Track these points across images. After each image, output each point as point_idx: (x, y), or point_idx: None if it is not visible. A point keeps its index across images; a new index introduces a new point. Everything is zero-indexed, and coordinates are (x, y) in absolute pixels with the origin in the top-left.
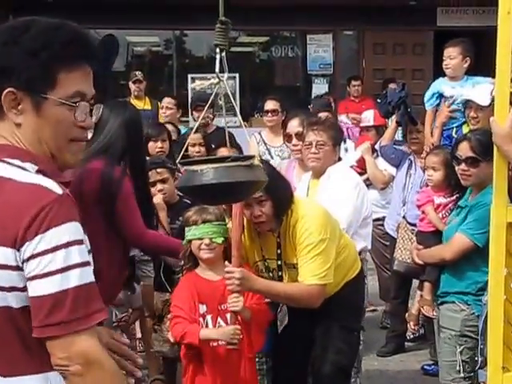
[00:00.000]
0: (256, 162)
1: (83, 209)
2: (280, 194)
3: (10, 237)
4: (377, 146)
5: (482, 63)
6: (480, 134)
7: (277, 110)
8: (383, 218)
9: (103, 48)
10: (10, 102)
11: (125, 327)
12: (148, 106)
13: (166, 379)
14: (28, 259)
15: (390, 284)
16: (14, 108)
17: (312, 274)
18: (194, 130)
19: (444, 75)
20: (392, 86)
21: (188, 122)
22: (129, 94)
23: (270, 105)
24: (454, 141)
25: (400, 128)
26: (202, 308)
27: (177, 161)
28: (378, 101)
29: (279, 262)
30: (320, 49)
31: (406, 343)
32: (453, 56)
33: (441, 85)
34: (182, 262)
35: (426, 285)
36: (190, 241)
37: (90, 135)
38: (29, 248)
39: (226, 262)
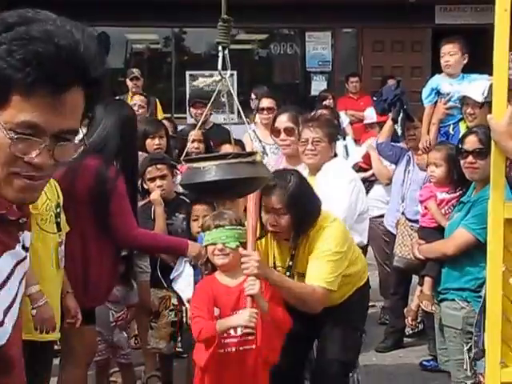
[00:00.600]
0: (258, 158)
1: (74, 206)
2: (302, 212)
3: None
4: (374, 143)
5: (480, 61)
6: (486, 128)
7: (273, 108)
8: None
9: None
10: None
11: (123, 325)
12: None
13: (163, 376)
14: None
15: (392, 279)
16: None
17: (320, 276)
18: (197, 127)
19: (441, 72)
20: (390, 82)
21: (186, 118)
22: (127, 91)
23: (266, 102)
24: (451, 137)
25: (397, 125)
26: (216, 311)
27: (181, 158)
28: (374, 98)
29: (287, 274)
30: (319, 46)
31: (404, 339)
32: (453, 52)
33: (438, 81)
34: (200, 266)
35: (427, 280)
36: (206, 246)
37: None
38: None
39: (241, 249)
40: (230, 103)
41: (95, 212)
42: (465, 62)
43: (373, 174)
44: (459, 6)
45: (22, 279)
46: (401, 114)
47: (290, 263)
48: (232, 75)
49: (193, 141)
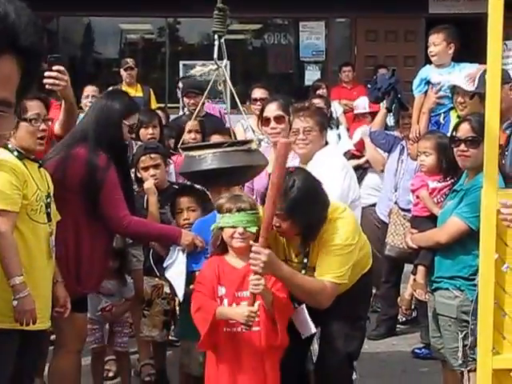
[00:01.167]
0: (254, 146)
1: (65, 194)
2: (306, 219)
3: None
4: (367, 132)
5: (474, 50)
6: (480, 116)
7: (266, 99)
8: None
9: None
10: None
11: (109, 317)
12: (139, 93)
13: (156, 363)
14: None
15: (384, 268)
16: None
17: (331, 271)
18: (194, 117)
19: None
20: (381, 71)
21: (179, 108)
22: (121, 81)
23: (258, 93)
24: (442, 126)
25: (390, 114)
26: (221, 290)
27: (178, 146)
28: (369, 86)
29: (303, 272)
30: (313, 36)
31: (397, 326)
32: (437, 43)
33: (428, 71)
34: (211, 247)
35: (420, 268)
36: (221, 228)
37: None
38: None
39: (252, 242)
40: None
41: (86, 200)
42: (451, 51)
43: (366, 161)
44: None
45: None
46: (395, 103)
47: (305, 260)
48: (225, 65)
49: (189, 131)
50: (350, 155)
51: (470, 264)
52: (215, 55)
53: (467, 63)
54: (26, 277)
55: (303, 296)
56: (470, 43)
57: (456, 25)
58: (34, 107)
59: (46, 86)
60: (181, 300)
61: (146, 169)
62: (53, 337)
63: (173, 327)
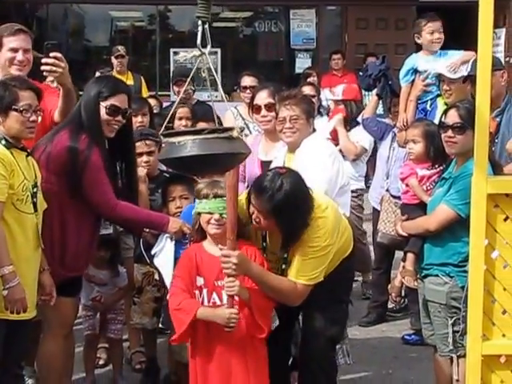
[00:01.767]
0: (235, 133)
1: (50, 177)
2: (288, 223)
3: None
4: (359, 119)
5: (463, 38)
6: (468, 103)
7: (255, 86)
8: (356, 190)
9: None
10: None
11: (98, 306)
12: (130, 81)
13: (147, 351)
14: None
15: (375, 255)
16: None
17: (303, 273)
18: (175, 105)
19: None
20: (370, 59)
21: (169, 96)
22: (112, 69)
23: (248, 81)
24: (429, 113)
25: (381, 101)
26: (200, 280)
27: (159, 133)
28: (360, 74)
29: (283, 266)
30: (303, 24)
31: (387, 313)
32: (441, 29)
33: (415, 60)
34: (190, 233)
35: (409, 256)
36: (199, 213)
37: None
38: None
39: (220, 246)
40: (213, 80)
41: (70, 184)
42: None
43: (340, 150)
44: None
45: None
46: (385, 90)
47: (285, 255)
48: (216, 53)
49: (180, 118)
50: None
51: (460, 251)
52: (198, 41)
53: (454, 51)
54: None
55: (273, 295)
56: (460, 31)
57: (446, 13)
58: (26, 97)
59: (44, 73)
60: (169, 288)
61: (139, 155)
62: None
63: (163, 315)
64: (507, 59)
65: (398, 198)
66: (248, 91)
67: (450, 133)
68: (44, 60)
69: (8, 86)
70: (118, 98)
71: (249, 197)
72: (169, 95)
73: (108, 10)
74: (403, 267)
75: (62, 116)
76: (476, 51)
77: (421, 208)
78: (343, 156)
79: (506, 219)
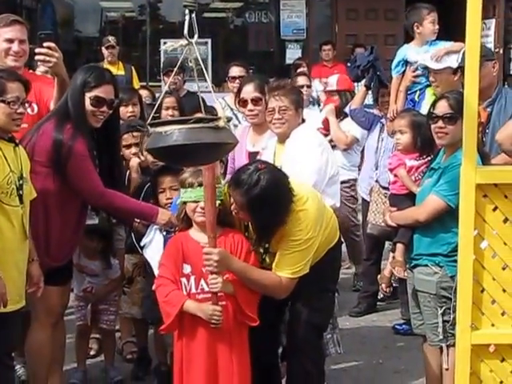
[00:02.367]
0: (222, 123)
1: (34, 167)
2: (263, 219)
3: None
4: (347, 109)
5: (453, 28)
6: (457, 94)
7: (243, 76)
8: (348, 181)
9: None
10: None
11: (89, 297)
12: (121, 71)
13: (138, 341)
14: None
15: (366, 246)
16: None
17: (287, 267)
18: (162, 94)
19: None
20: (358, 50)
21: (160, 87)
22: (102, 60)
23: (236, 71)
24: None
25: (370, 92)
26: (187, 268)
27: (146, 123)
28: (348, 65)
29: (264, 256)
30: (293, 14)
31: (377, 303)
32: (437, 20)
33: (405, 51)
34: (176, 221)
35: (399, 246)
36: (184, 202)
37: None
38: None
39: (202, 244)
40: (199, 70)
41: (55, 174)
42: None
43: (331, 140)
44: None
45: None
46: (374, 81)
47: (266, 245)
48: (206, 43)
49: (167, 108)
50: None
51: (449, 241)
52: (185, 31)
53: (445, 42)
54: None
55: (257, 289)
56: (449, 22)
57: (435, 3)
58: (14, 89)
59: (38, 63)
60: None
61: (128, 146)
62: None
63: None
64: (497, 50)
65: (388, 188)
66: (236, 81)
67: (440, 123)
68: (37, 50)
69: None
70: (104, 89)
71: (229, 187)
72: (160, 86)
73: (98, 1)
74: (393, 258)
75: (57, 103)
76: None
77: (409, 198)
78: (334, 146)
79: (494, 209)
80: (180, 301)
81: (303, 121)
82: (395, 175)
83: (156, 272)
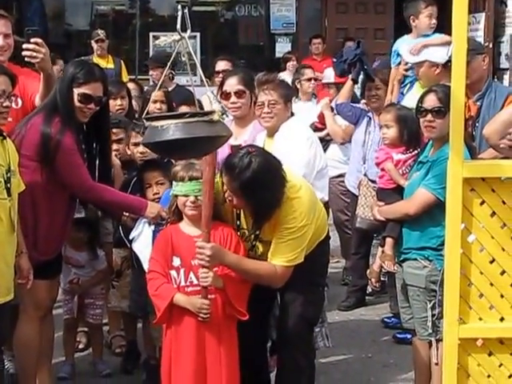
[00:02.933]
0: (216, 117)
1: (23, 161)
2: (258, 202)
3: None
4: (333, 104)
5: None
6: (446, 87)
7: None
8: (344, 175)
9: None
10: None
11: (75, 289)
12: (111, 65)
13: (127, 335)
14: None
15: (354, 239)
16: None
17: (282, 255)
18: (158, 88)
19: (404, 34)
20: (349, 44)
21: (149, 80)
22: (92, 53)
23: (221, 65)
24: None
25: (357, 86)
26: (177, 261)
27: (142, 116)
28: (334, 60)
29: (254, 243)
30: (283, 8)
31: (366, 297)
32: (436, 15)
33: (398, 44)
34: (167, 214)
35: (388, 240)
36: (176, 196)
37: None
38: None
39: (195, 238)
40: (193, 64)
41: (43, 167)
42: None
43: (328, 134)
44: None
45: None
46: (361, 74)
47: (257, 232)
48: (195, 37)
49: (155, 101)
50: (313, 127)
51: (438, 235)
52: (178, 25)
53: (437, 34)
54: None
55: (253, 279)
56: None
57: None
58: (0, 83)
59: (25, 59)
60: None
61: None
62: None
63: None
64: (487, 44)
65: (377, 182)
66: (221, 75)
67: (429, 117)
68: (25, 46)
69: None
70: (92, 87)
71: (221, 175)
72: (148, 79)
73: None
74: (382, 252)
75: (43, 99)
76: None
77: (397, 192)
78: (330, 140)
79: (482, 203)
80: (170, 294)
81: (292, 114)
82: (382, 169)
83: (145, 265)
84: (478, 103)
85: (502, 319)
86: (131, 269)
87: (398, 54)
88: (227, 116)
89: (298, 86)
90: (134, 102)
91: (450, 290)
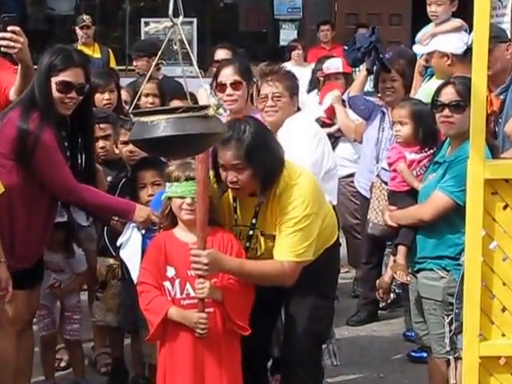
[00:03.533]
0: (211, 112)
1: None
2: (264, 164)
3: None
4: (345, 97)
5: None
6: (466, 79)
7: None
8: (355, 174)
9: None
10: None
11: (57, 293)
12: (97, 54)
13: (113, 352)
14: None
15: (363, 248)
16: None
17: (289, 249)
18: (146, 79)
19: (424, 20)
20: (361, 31)
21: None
22: (76, 40)
23: (221, 54)
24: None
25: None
26: (171, 271)
27: (129, 111)
28: (345, 48)
29: (251, 233)
30: None
31: (378, 311)
32: (441, 2)
33: (422, 31)
34: (160, 219)
35: (401, 248)
36: (170, 198)
37: None
38: None
39: (190, 245)
40: (185, 53)
41: (21, 167)
42: (453, 9)
43: (338, 130)
44: None
45: None
46: (376, 64)
47: (254, 221)
48: (191, 23)
49: (147, 95)
50: (320, 123)
51: (457, 242)
52: (170, 11)
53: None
54: None
55: (259, 281)
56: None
57: None
58: None
59: (1, 49)
60: (135, 282)
61: (95, 140)
62: None
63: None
64: None
65: None
66: None
67: (446, 112)
68: (1, 35)
69: None
70: (71, 73)
71: (214, 161)
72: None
73: None
74: (394, 261)
75: (18, 95)
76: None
77: (411, 195)
78: (340, 137)
79: (505, 207)
80: (163, 308)
81: (299, 109)
82: (394, 170)
83: (133, 275)
84: (502, 97)
85: None
86: (121, 279)
87: None
88: (225, 111)
89: (321, 79)
90: (123, 94)
91: (470, 303)
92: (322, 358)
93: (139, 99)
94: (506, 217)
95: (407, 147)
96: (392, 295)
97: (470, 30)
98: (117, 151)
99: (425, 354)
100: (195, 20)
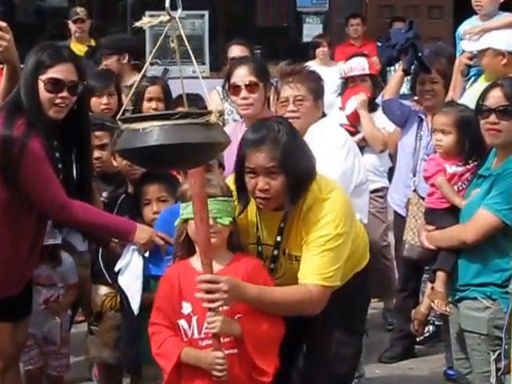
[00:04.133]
0: (213, 118)
1: None
2: (298, 169)
3: None
4: (378, 100)
5: None
6: None
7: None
8: (382, 189)
9: None
10: None
11: (55, 308)
12: None
13: None
14: None
15: (400, 273)
16: None
17: (317, 271)
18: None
19: (468, 13)
20: (397, 25)
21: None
22: (69, 36)
23: (236, 51)
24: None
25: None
26: (187, 307)
27: (116, 117)
28: (379, 44)
29: (275, 252)
30: None
31: (415, 346)
32: None
33: (462, 27)
34: (175, 247)
35: (440, 274)
36: (186, 220)
37: None
38: None
39: (201, 271)
40: (182, 51)
41: (4, 179)
42: (501, 0)
43: (363, 139)
44: None
45: None
46: (414, 64)
47: (279, 238)
48: (203, 16)
49: (150, 99)
50: None
51: (504, 268)
52: (167, 3)
53: (506, 14)
54: None
55: (283, 311)
56: None
57: None
58: None
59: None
60: (136, 313)
61: None
62: None
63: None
64: None
65: None
66: None
67: (493, 118)
68: None
69: None
70: (61, 69)
71: (240, 170)
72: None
73: None
74: (432, 289)
75: (4, 99)
76: None
77: (451, 214)
78: (364, 147)
79: None
80: (176, 351)
81: (324, 115)
82: (432, 185)
83: (133, 304)
84: None
85: None
86: (119, 310)
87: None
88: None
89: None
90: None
91: None
92: None
93: (141, 104)
94: None
95: (448, 159)
96: (430, 328)
97: None
98: (115, 163)
99: None
100: (207, 13)
